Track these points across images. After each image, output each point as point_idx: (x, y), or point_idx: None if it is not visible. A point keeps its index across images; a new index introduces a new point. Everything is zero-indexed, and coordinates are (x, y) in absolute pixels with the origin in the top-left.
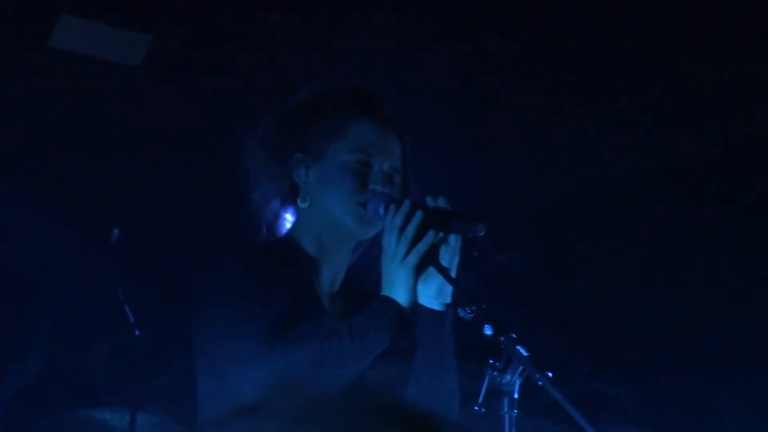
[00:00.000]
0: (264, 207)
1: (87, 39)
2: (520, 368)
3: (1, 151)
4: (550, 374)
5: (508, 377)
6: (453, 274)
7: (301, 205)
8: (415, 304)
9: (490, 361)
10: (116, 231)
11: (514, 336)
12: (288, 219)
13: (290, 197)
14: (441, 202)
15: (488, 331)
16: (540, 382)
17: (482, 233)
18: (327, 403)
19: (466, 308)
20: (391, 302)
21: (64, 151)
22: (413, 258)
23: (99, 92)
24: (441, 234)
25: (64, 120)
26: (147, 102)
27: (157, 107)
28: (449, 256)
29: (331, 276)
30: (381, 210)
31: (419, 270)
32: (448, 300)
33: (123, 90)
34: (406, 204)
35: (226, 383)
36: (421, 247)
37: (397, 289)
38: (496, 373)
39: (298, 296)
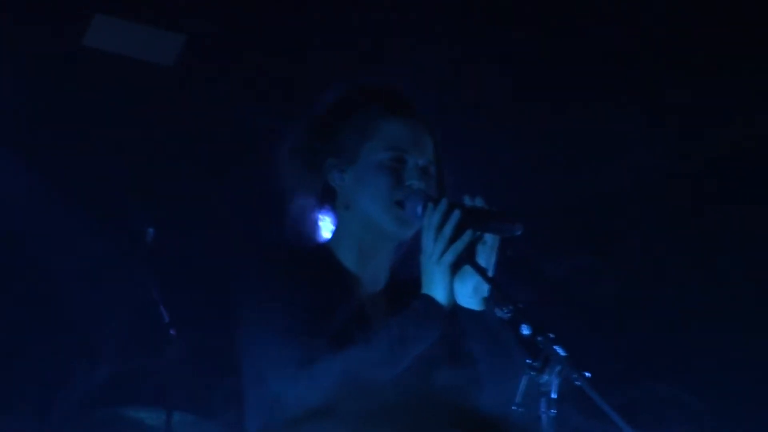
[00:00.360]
0: (302, 213)
1: (121, 38)
2: (558, 368)
3: (36, 150)
4: (587, 374)
5: (546, 377)
6: (490, 273)
7: (339, 209)
8: (455, 305)
9: (528, 361)
10: (151, 230)
11: (551, 336)
12: (327, 223)
13: (328, 202)
14: (478, 202)
15: (526, 330)
16: (578, 383)
17: (519, 233)
18: (397, 406)
19: (503, 308)
20: (429, 300)
21: (99, 151)
22: (450, 256)
23: (133, 91)
24: (478, 233)
25: (99, 119)
26: (180, 101)
27: (190, 107)
28: (486, 255)
29: (373, 277)
30: (419, 209)
31: (456, 268)
32: (486, 294)
33: (156, 89)
34: (444, 203)
35: (271, 391)
36: (458, 245)
37: (435, 287)
38: (533, 373)
39: (339, 301)
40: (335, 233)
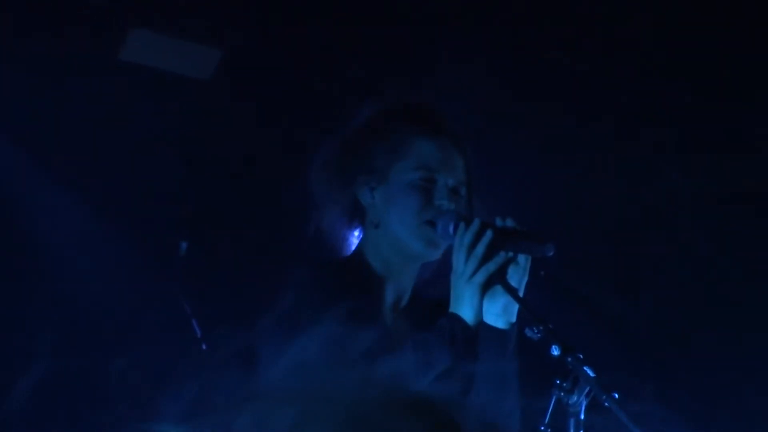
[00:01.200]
0: (331, 228)
1: (157, 52)
2: (587, 389)
3: (69, 165)
4: (616, 395)
5: (575, 398)
6: (521, 293)
7: (368, 227)
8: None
9: (557, 382)
10: (184, 244)
11: (581, 357)
12: (355, 239)
13: (357, 218)
14: (509, 222)
15: (555, 351)
16: (607, 403)
17: (551, 253)
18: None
19: (534, 328)
20: (456, 319)
21: (133, 164)
22: (480, 277)
23: (167, 105)
24: (510, 253)
25: (133, 132)
26: (215, 115)
27: (225, 121)
28: (518, 276)
29: (396, 294)
30: (450, 229)
31: (486, 288)
32: (513, 319)
33: (191, 103)
34: (476, 223)
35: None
36: (491, 266)
37: (464, 307)
38: (563, 393)
39: (360, 315)
40: (362, 250)
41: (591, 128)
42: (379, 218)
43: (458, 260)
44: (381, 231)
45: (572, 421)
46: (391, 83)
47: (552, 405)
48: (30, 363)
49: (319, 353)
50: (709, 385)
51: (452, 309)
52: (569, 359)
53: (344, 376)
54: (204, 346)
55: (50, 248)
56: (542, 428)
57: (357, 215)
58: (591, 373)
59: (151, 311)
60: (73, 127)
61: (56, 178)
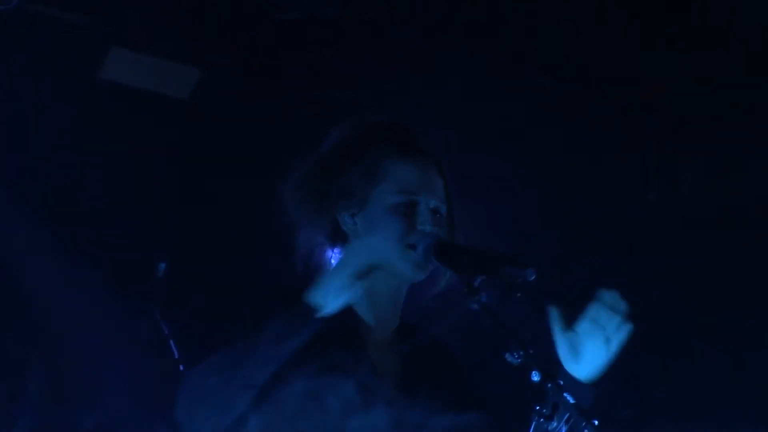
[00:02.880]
0: (309, 252)
1: (137, 71)
2: (567, 415)
3: (43, 185)
4: (596, 422)
5: (555, 424)
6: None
7: None
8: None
9: (537, 408)
10: (162, 265)
11: (561, 383)
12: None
13: (336, 242)
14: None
15: (536, 377)
16: (586, 430)
17: (532, 278)
18: None
19: (514, 353)
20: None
21: (110, 184)
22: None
23: (147, 124)
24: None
25: (113, 151)
26: (195, 134)
27: (204, 139)
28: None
29: (382, 321)
30: (429, 254)
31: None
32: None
33: (171, 122)
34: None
35: None
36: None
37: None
38: (542, 419)
39: (341, 348)
40: None
41: (572, 152)
42: None
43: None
44: None
45: None
46: (373, 103)
47: (531, 431)
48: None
49: (299, 407)
50: (689, 414)
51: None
52: (549, 385)
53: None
54: (181, 367)
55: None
56: None
57: (336, 238)
58: (571, 400)
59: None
60: (46, 147)
61: (26, 203)
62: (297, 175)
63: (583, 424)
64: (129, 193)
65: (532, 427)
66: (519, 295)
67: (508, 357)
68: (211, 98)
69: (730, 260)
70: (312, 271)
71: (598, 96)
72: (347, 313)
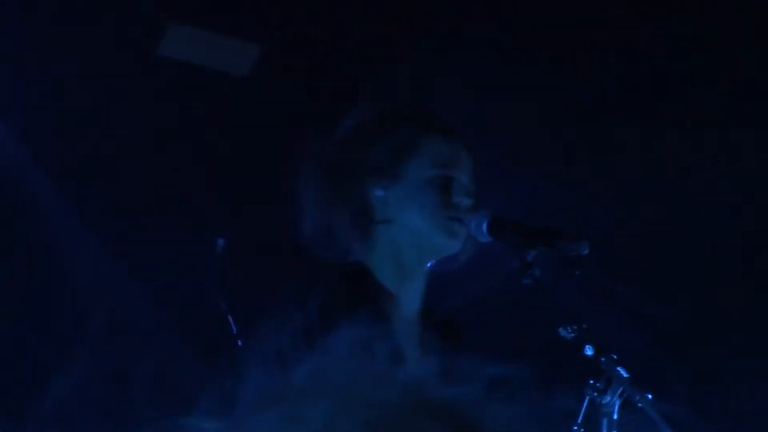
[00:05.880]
0: (338, 229)
1: (196, 48)
2: (621, 389)
3: (106, 160)
4: (649, 396)
5: (608, 398)
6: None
7: (380, 226)
8: None
9: (590, 382)
10: (221, 241)
11: (614, 357)
12: (358, 242)
13: (362, 219)
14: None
15: (589, 351)
16: (640, 404)
17: (585, 251)
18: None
19: (568, 328)
20: None
21: (171, 161)
22: None
23: (205, 100)
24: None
25: (174, 128)
26: (254, 111)
27: (263, 117)
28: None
29: (410, 297)
30: (484, 227)
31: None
32: None
33: (230, 99)
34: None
35: None
36: None
37: None
38: (596, 393)
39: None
40: (372, 250)
41: (632, 128)
42: (394, 215)
43: None
44: (397, 227)
45: (605, 421)
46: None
47: (585, 405)
48: (63, 363)
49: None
50: (743, 389)
51: None
52: (603, 359)
53: (370, 379)
54: (240, 343)
55: (74, 252)
56: (575, 428)
57: (363, 215)
58: (624, 374)
59: (187, 308)
60: (110, 119)
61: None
62: (321, 152)
63: (637, 397)
64: (180, 170)
65: (586, 401)
66: (577, 272)
67: (562, 331)
68: (270, 74)
69: None
70: (338, 253)
71: (652, 68)
72: (375, 288)
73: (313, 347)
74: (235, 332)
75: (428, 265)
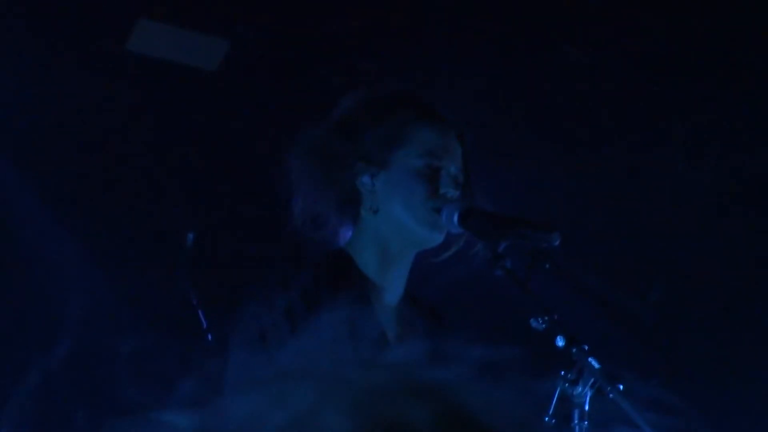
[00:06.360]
0: (322, 216)
1: (164, 43)
2: (592, 380)
3: (74, 156)
4: (621, 387)
5: (580, 389)
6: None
7: (364, 213)
8: None
9: (562, 373)
10: (191, 235)
11: (586, 348)
12: (346, 229)
13: (350, 205)
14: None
15: (560, 342)
16: (611, 395)
17: (557, 243)
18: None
19: (539, 318)
20: None
21: (140, 155)
22: None
23: (173, 96)
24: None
25: (138, 121)
26: (221, 106)
27: (231, 112)
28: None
29: (392, 286)
30: (455, 218)
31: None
32: None
33: (198, 94)
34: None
35: None
36: None
37: None
38: (567, 384)
39: (352, 313)
40: (356, 238)
41: (599, 124)
42: (379, 204)
43: None
44: (381, 217)
45: (577, 412)
46: (403, 75)
47: (557, 396)
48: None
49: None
50: (717, 378)
51: None
52: (574, 350)
53: (354, 362)
54: (209, 337)
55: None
56: (546, 419)
57: (351, 202)
58: (596, 365)
59: (157, 303)
60: (80, 116)
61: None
62: (310, 138)
63: (608, 388)
64: (153, 165)
65: (557, 391)
66: (548, 265)
67: (533, 323)
68: (239, 71)
69: (759, 233)
70: (323, 240)
71: (626, 66)
72: (357, 275)
73: (297, 329)
74: (205, 326)
75: (412, 254)
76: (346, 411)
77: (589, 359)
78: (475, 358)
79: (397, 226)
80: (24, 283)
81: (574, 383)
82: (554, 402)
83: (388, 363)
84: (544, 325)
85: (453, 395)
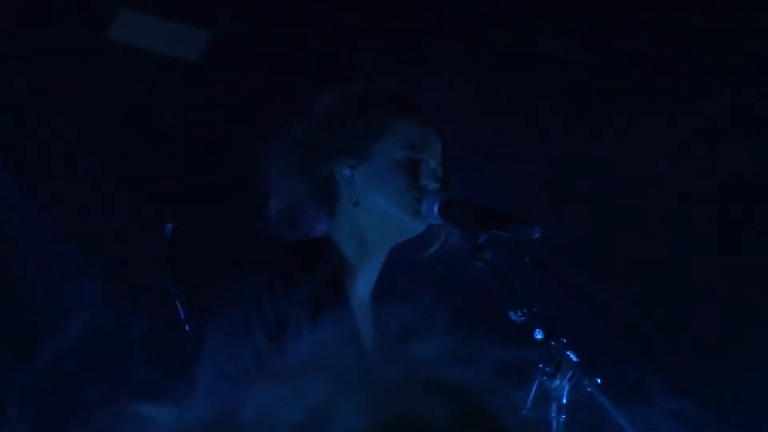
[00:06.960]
0: (299, 207)
1: (146, 33)
2: (570, 373)
3: (55, 146)
4: (598, 380)
5: (557, 382)
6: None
7: (345, 206)
8: None
9: (540, 366)
10: (169, 226)
11: (564, 341)
12: (322, 223)
13: (329, 197)
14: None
15: (539, 335)
16: (589, 388)
17: (537, 235)
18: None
19: (518, 311)
20: None
21: (119, 146)
22: None
23: (155, 86)
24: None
25: (120, 112)
26: (204, 96)
27: (213, 102)
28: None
29: (367, 275)
30: (435, 209)
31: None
32: None
33: (179, 84)
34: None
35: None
36: None
37: None
38: (545, 377)
39: (327, 305)
40: (333, 230)
41: (579, 117)
42: (359, 196)
43: None
44: (362, 208)
45: (554, 405)
46: (391, 69)
47: (534, 389)
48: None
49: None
50: (695, 373)
51: None
52: (552, 343)
53: (371, 355)
54: (187, 328)
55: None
56: (524, 412)
57: (328, 195)
58: (574, 358)
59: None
60: (60, 107)
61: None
62: (288, 131)
63: (586, 381)
64: (133, 156)
65: (535, 384)
66: (527, 259)
67: (512, 315)
68: (223, 62)
69: (743, 226)
70: (301, 231)
71: (604, 60)
72: (336, 259)
73: (281, 317)
74: (183, 318)
75: (387, 248)
76: (364, 406)
77: (567, 352)
78: (495, 358)
79: (379, 216)
80: (17, 276)
81: (552, 376)
82: (532, 395)
83: (408, 359)
84: (522, 318)
85: (473, 395)
